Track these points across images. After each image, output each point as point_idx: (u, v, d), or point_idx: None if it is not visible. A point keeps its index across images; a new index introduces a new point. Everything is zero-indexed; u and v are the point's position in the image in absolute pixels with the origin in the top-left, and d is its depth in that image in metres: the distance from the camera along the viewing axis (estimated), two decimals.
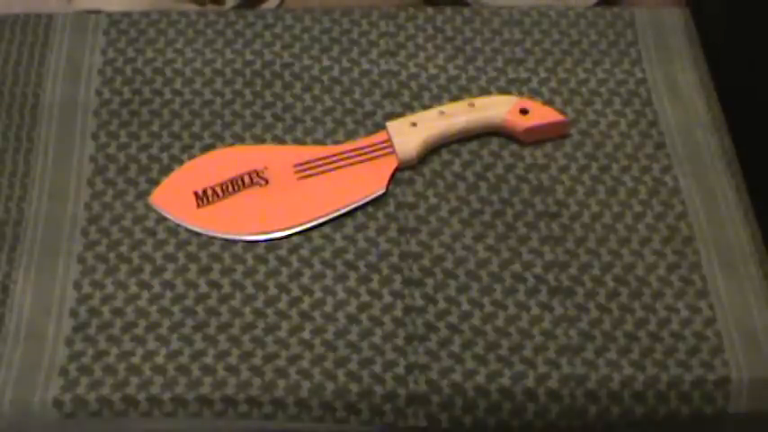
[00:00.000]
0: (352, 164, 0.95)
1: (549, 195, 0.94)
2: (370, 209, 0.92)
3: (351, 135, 0.97)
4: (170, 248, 0.90)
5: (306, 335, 0.85)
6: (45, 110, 0.98)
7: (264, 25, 1.05)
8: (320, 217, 0.91)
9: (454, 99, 1.00)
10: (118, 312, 0.86)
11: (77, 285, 0.87)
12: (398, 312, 0.86)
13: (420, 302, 0.87)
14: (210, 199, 0.93)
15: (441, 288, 0.88)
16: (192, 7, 1.11)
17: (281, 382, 0.82)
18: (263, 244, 0.90)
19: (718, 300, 0.88)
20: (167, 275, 0.88)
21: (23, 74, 1.00)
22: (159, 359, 0.83)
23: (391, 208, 0.93)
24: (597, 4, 1.09)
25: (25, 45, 1.02)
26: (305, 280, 0.88)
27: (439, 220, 0.92)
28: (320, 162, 0.95)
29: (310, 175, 0.94)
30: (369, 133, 0.97)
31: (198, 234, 0.91)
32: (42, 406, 0.81)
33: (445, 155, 0.96)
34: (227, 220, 0.91)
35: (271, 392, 0.82)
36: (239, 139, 0.97)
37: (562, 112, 0.99)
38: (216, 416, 0.82)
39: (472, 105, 0.97)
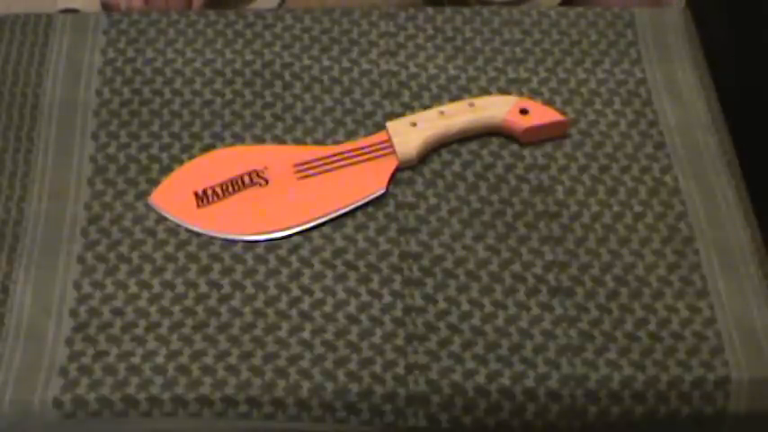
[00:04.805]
0: (352, 164, 0.95)
1: (549, 195, 0.94)
2: (370, 209, 0.92)
3: (351, 135, 0.97)
4: (170, 248, 0.90)
5: (306, 335, 0.85)
6: (45, 110, 0.98)
7: (264, 25, 1.05)
8: (320, 217, 0.91)
9: (454, 99, 1.00)
10: (118, 312, 0.86)
11: (77, 285, 0.87)
12: (398, 312, 0.86)
13: (420, 302, 0.87)
14: (210, 199, 0.93)
15: (441, 288, 0.88)
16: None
17: (281, 382, 0.82)
18: (263, 244, 0.90)
19: (719, 300, 0.88)
20: (167, 275, 0.88)
21: (23, 74, 1.00)
22: (159, 359, 0.83)
23: (391, 208, 0.93)
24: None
25: (25, 45, 1.02)
26: (305, 280, 0.88)
27: (439, 220, 0.92)
28: (320, 162, 0.95)
29: (310, 175, 0.94)
30: (369, 133, 0.97)
31: (198, 234, 0.90)
32: (42, 406, 0.81)
33: (445, 155, 0.96)
34: (227, 220, 0.91)
35: (271, 392, 0.82)
36: (239, 139, 0.97)
37: (562, 112, 0.99)
38: (216, 416, 0.82)
39: (472, 105, 0.97)
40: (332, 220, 0.91)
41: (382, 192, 0.93)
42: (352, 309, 0.86)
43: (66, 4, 1.13)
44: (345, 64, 1.02)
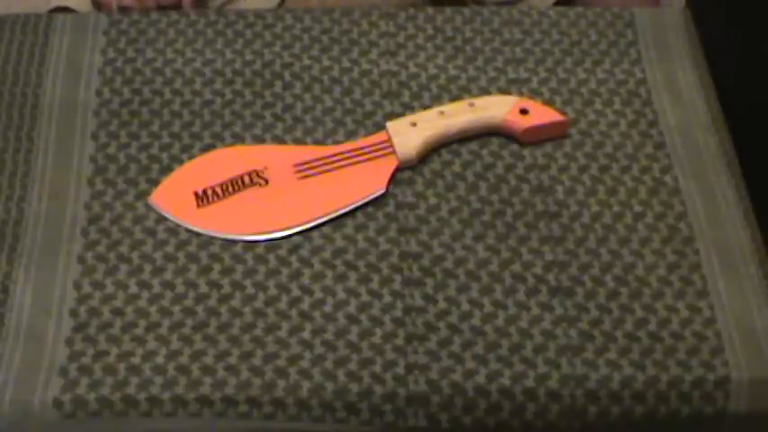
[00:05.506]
0: (352, 164, 0.95)
1: (549, 195, 0.94)
2: (370, 209, 0.92)
3: (351, 135, 0.97)
4: (170, 248, 0.90)
5: (306, 335, 0.85)
6: (45, 110, 0.98)
7: (264, 25, 1.05)
8: (320, 217, 0.91)
9: (454, 99, 1.00)
10: (118, 312, 0.86)
11: (77, 285, 0.87)
12: (398, 312, 0.86)
13: (420, 302, 0.87)
14: (210, 199, 0.93)
15: (441, 288, 0.88)
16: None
17: (281, 382, 0.82)
18: (263, 244, 0.90)
19: (719, 300, 0.88)
20: (167, 275, 0.88)
21: (23, 74, 1.00)
22: (159, 359, 0.83)
23: (391, 208, 0.93)
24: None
25: (25, 45, 1.02)
26: (305, 280, 0.88)
27: (439, 220, 0.92)
28: (320, 162, 0.95)
29: (310, 175, 0.94)
30: (369, 133, 0.97)
31: (198, 234, 0.90)
32: (42, 406, 0.81)
33: (445, 155, 0.96)
34: (227, 220, 0.91)
35: (271, 392, 0.82)
36: (239, 139, 0.97)
37: (562, 112, 0.99)
38: (216, 416, 0.82)
39: (472, 105, 0.97)
40: (332, 220, 0.91)
41: (382, 192, 0.93)
42: (352, 309, 0.86)
43: (58, 2, 1.13)
44: (345, 64, 1.02)
